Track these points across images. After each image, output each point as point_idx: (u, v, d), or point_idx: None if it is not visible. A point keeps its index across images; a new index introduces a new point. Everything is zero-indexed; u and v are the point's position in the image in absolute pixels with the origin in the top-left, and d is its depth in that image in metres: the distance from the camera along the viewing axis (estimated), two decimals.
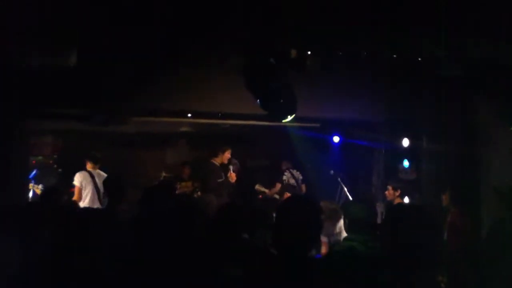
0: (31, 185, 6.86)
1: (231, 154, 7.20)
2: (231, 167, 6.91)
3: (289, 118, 5.17)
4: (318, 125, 7.61)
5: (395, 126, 7.16)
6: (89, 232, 3.36)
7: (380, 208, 6.13)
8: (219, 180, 6.85)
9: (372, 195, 7.99)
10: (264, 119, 6.47)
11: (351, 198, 7.42)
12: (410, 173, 7.29)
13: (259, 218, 3.30)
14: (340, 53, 5.45)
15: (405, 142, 7.10)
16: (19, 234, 3.42)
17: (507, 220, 4.39)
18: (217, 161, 7.03)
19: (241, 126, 7.60)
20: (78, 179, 6.43)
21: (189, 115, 6.95)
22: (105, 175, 6.56)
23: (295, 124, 7.01)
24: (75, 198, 6.30)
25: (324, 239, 5.22)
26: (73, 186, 6.47)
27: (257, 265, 2.21)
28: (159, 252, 2.96)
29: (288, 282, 2.00)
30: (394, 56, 5.38)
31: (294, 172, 8.23)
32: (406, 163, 7.47)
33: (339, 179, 7.83)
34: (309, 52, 5.43)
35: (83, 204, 6.24)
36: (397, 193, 5.89)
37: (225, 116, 6.86)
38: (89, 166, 6.61)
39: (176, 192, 7.53)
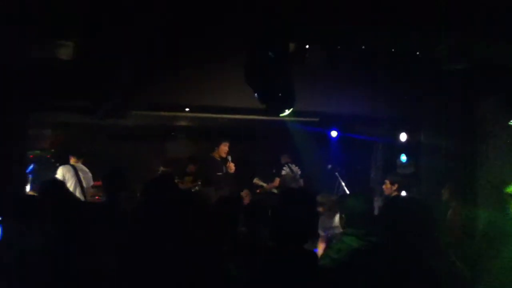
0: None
1: (229, 148, 7.20)
2: (229, 159, 6.92)
3: (287, 112, 5.16)
4: (316, 119, 7.60)
5: (393, 121, 7.17)
6: (90, 225, 3.37)
7: (377, 202, 6.14)
8: (219, 174, 6.87)
9: (369, 189, 8.01)
10: (262, 113, 6.47)
11: (348, 192, 7.44)
12: (407, 167, 7.30)
13: (257, 211, 3.31)
14: (339, 47, 5.45)
15: (403, 137, 7.12)
16: (22, 227, 3.43)
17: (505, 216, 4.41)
18: (216, 155, 7.05)
19: (239, 120, 7.59)
20: (60, 172, 6.50)
21: (187, 109, 6.94)
22: (87, 170, 6.68)
23: (293, 118, 7.00)
24: None
25: (321, 232, 5.25)
26: None
27: (255, 258, 2.22)
28: (157, 246, 2.97)
29: (285, 275, 2.00)
30: (393, 50, 5.39)
31: (293, 166, 8.24)
32: (403, 158, 7.49)
33: (336, 173, 7.85)
34: (307, 46, 5.43)
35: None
36: (395, 187, 5.90)
37: (223, 110, 6.85)
38: (72, 160, 6.65)
39: (175, 186, 7.53)
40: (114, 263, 3.09)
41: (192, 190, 7.63)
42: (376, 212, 3.02)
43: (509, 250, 3.90)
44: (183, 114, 7.31)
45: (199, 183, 7.71)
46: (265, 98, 5.07)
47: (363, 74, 5.85)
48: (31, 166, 7.27)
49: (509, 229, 4.24)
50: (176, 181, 7.75)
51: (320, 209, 5.16)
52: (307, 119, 7.52)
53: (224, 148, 6.97)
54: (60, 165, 6.85)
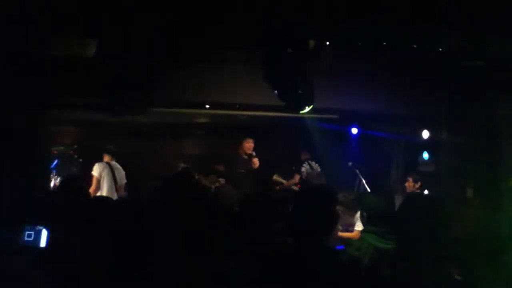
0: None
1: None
2: (254, 154, 6.88)
3: (307, 109, 5.15)
4: (336, 116, 7.56)
5: (415, 118, 7.08)
6: (111, 220, 3.42)
7: (399, 200, 6.07)
8: (241, 171, 6.83)
9: (390, 187, 7.93)
10: (282, 110, 6.46)
11: (369, 190, 7.37)
12: (429, 165, 7.21)
13: (277, 208, 3.30)
14: (360, 44, 5.40)
15: (425, 134, 7.02)
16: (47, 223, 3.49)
17: None
18: (241, 152, 7.02)
19: (259, 117, 7.59)
20: (97, 169, 6.50)
21: (207, 106, 6.97)
22: (120, 167, 6.73)
23: (313, 115, 6.97)
24: (92, 188, 6.40)
25: (342, 229, 5.23)
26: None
27: (273, 255, 2.22)
28: (175, 241, 2.99)
29: (305, 273, 2.00)
30: (415, 47, 5.31)
31: (313, 163, 8.20)
32: (425, 155, 7.39)
33: (357, 170, 7.79)
34: (327, 43, 5.39)
35: (100, 194, 6.34)
36: (417, 185, 5.83)
37: (243, 107, 6.86)
38: (106, 158, 6.71)
39: (195, 182, 7.58)
40: (132, 258, 3.13)
41: (213, 187, 7.70)
42: (396, 209, 2.99)
43: None
44: (203, 111, 7.34)
45: (220, 180, 7.74)
46: (285, 95, 5.07)
47: (384, 71, 5.78)
48: (55, 162, 7.42)
49: None
50: (197, 177, 7.84)
51: (340, 206, 5.15)
52: (327, 116, 7.48)
53: (247, 145, 6.93)
54: (83, 160, 6.95)
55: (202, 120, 8.74)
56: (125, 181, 6.72)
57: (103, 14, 4.31)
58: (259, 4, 4.19)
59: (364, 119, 7.87)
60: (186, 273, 2.74)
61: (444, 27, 4.41)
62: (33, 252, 3.46)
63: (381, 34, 4.98)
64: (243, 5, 4.21)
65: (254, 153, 6.85)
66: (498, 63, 5.11)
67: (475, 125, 6.03)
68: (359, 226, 4.66)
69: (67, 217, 3.64)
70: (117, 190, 6.50)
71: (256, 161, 6.82)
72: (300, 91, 5.04)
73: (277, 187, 8.02)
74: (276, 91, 4.99)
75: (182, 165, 8.47)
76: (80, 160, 8.13)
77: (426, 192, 6.03)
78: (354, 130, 8.52)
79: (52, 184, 7.05)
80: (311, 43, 5.13)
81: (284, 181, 8.11)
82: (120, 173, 6.69)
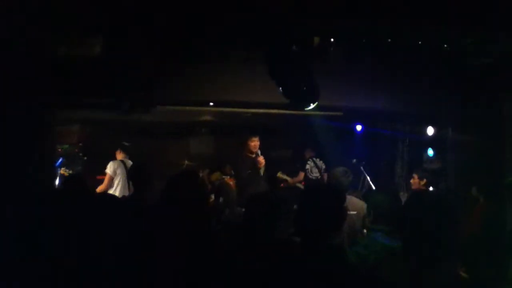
0: (63, 170, 7.00)
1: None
2: (259, 153, 6.80)
3: (312, 106, 5.13)
4: (341, 113, 7.54)
5: (420, 115, 7.05)
6: (115, 219, 3.41)
7: (404, 197, 6.06)
8: (248, 172, 6.75)
9: (395, 184, 7.91)
10: (286, 108, 6.44)
11: (374, 187, 7.36)
12: (435, 162, 7.18)
13: (282, 206, 3.29)
14: (364, 41, 5.38)
15: (430, 131, 6.98)
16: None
17: None
18: (247, 152, 6.89)
19: (263, 115, 7.58)
20: (112, 167, 6.50)
21: (211, 104, 6.96)
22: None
23: (317, 112, 6.95)
24: (103, 186, 6.40)
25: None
26: (99, 174, 6.56)
27: (280, 253, 2.22)
28: (180, 239, 2.99)
29: (312, 270, 1.99)
30: (420, 44, 5.29)
31: (317, 160, 8.18)
32: (430, 152, 7.36)
33: (361, 168, 7.77)
34: (332, 40, 5.37)
35: (113, 192, 6.35)
36: (423, 182, 5.79)
37: (247, 105, 6.84)
38: (120, 155, 6.71)
39: (199, 180, 7.59)
40: (136, 256, 3.13)
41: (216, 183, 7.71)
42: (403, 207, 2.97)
43: None
44: (207, 108, 7.33)
45: (223, 177, 7.75)
46: (289, 92, 5.05)
47: (389, 67, 5.75)
48: (60, 160, 7.44)
49: None
50: (201, 175, 7.85)
51: (347, 205, 5.13)
52: (332, 113, 7.46)
53: (252, 143, 6.82)
54: (88, 159, 6.96)
55: (206, 118, 8.75)
56: None
57: (107, 13, 4.30)
58: (262, 1, 4.18)
59: (368, 116, 7.84)
60: (190, 272, 2.74)
61: (450, 24, 4.38)
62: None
63: (384, 31, 4.96)
64: (246, 2, 4.20)
65: (259, 152, 6.77)
66: (504, 60, 5.08)
67: (481, 121, 6.00)
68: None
69: (67, 216, 3.65)
70: (129, 188, 6.51)
71: (261, 160, 6.72)
72: (304, 88, 5.02)
73: (281, 185, 8.02)
74: (280, 89, 4.97)
75: (186, 162, 8.50)
76: (85, 158, 8.15)
77: (431, 189, 6.00)
78: (359, 127, 8.50)
79: (56, 182, 7.08)
80: (316, 39, 5.11)
81: (288, 179, 8.11)
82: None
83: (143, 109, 6.55)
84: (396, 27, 4.67)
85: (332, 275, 1.99)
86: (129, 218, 3.43)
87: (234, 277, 2.29)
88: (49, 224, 3.41)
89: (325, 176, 8.19)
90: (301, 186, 8.08)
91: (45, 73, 4.89)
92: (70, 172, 7.10)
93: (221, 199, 7.24)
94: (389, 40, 5.14)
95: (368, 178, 7.61)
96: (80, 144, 8.27)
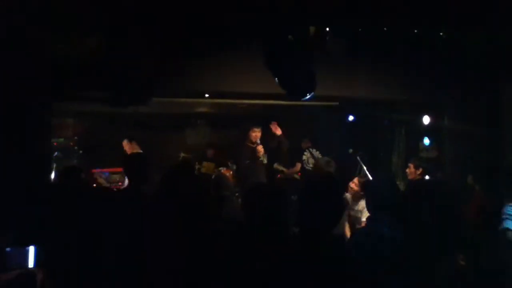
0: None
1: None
2: (258, 143, 6.79)
3: (308, 96, 5.11)
4: (337, 103, 7.52)
5: (416, 104, 7.04)
6: (112, 211, 3.40)
7: (401, 186, 6.06)
8: (247, 162, 6.76)
9: (392, 174, 7.92)
10: (282, 98, 6.41)
11: (370, 177, 7.36)
12: (431, 151, 7.19)
13: (280, 198, 3.28)
14: (360, 30, 5.35)
15: (426, 120, 6.98)
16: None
17: None
18: (249, 143, 6.90)
19: (259, 106, 7.55)
20: None
21: (207, 95, 6.93)
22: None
23: (313, 103, 6.93)
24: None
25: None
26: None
27: (280, 246, 2.21)
28: (177, 232, 2.97)
29: (313, 261, 1.99)
30: (415, 32, 5.27)
31: (314, 151, 8.17)
32: (426, 141, 7.36)
33: (358, 157, 7.76)
34: (328, 29, 5.34)
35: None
36: (419, 172, 5.79)
37: (243, 95, 6.82)
38: (129, 145, 6.77)
39: (196, 172, 7.61)
40: (133, 249, 3.12)
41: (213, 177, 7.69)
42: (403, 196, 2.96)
43: None
44: (203, 100, 7.30)
45: (220, 169, 7.73)
46: (285, 83, 5.03)
47: (385, 56, 5.74)
48: (55, 154, 7.40)
49: None
50: (197, 167, 7.84)
51: (353, 188, 5.18)
52: (328, 103, 7.44)
53: (254, 134, 6.82)
54: (84, 152, 6.93)
55: (202, 109, 8.71)
56: None
57: (105, 6, 4.27)
58: None
59: (364, 105, 7.83)
60: (189, 269, 2.73)
61: (448, 13, 4.36)
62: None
63: (381, 19, 4.94)
64: None
65: (258, 141, 6.78)
66: (501, 48, 5.06)
67: (478, 109, 6.00)
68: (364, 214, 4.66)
69: (65, 208, 3.63)
70: None
71: (260, 149, 6.74)
72: (300, 79, 5.00)
73: (278, 176, 8.01)
74: (276, 79, 4.95)
75: (182, 155, 8.48)
76: (80, 152, 8.11)
77: (427, 177, 6.01)
78: (355, 117, 8.49)
79: (52, 175, 7.04)
80: (311, 29, 5.08)
81: (285, 169, 8.10)
82: None
83: (139, 102, 6.51)
84: (394, 16, 4.65)
85: (333, 268, 1.98)
86: (126, 213, 3.42)
87: (234, 272, 2.28)
88: (48, 219, 3.40)
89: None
90: (297, 177, 8.07)
91: (44, 70, 4.86)
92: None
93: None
94: (385, 28, 5.13)
95: (365, 167, 7.60)
96: (76, 138, 8.22)
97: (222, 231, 2.92)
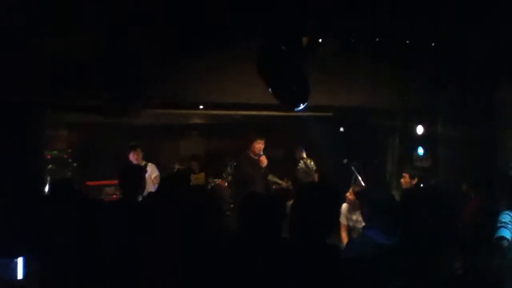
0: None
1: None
2: (261, 154, 6.76)
3: (302, 106, 5.12)
4: (330, 113, 7.55)
5: (410, 113, 7.08)
6: (107, 223, 3.37)
7: (396, 196, 6.06)
8: (246, 173, 6.71)
9: (387, 183, 7.93)
10: (276, 108, 6.43)
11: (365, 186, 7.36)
12: (425, 160, 7.20)
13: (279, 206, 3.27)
14: (353, 40, 5.39)
15: (420, 129, 7.01)
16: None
17: None
18: (250, 153, 6.86)
19: (253, 116, 7.57)
20: (150, 169, 6.80)
21: (201, 106, 6.93)
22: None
23: (307, 113, 6.95)
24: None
25: (344, 222, 5.23)
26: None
27: (274, 254, 2.20)
28: (172, 242, 2.96)
29: (308, 270, 1.98)
30: (408, 41, 5.31)
31: (308, 161, 8.18)
32: (421, 151, 7.38)
33: (352, 167, 7.77)
34: (320, 40, 5.38)
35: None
36: (414, 181, 5.77)
37: (237, 106, 6.83)
38: (135, 156, 6.89)
39: (190, 184, 7.57)
40: (129, 259, 3.09)
41: (208, 188, 7.66)
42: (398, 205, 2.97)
43: None
44: (197, 111, 7.31)
45: (215, 180, 7.71)
46: (279, 93, 5.05)
47: (378, 66, 5.77)
48: (49, 166, 7.35)
49: None
50: (192, 178, 7.81)
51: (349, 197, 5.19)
52: (321, 113, 7.47)
53: (257, 145, 6.77)
54: (77, 165, 6.91)
55: (196, 120, 8.71)
56: (157, 173, 6.97)
57: (99, 16, 4.28)
58: (250, 2, 4.17)
59: (359, 115, 7.86)
60: (185, 272, 2.71)
61: (439, 20, 4.41)
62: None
63: (375, 29, 4.98)
64: (235, 4, 4.19)
65: (262, 153, 6.75)
66: (493, 57, 5.12)
67: (471, 117, 6.03)
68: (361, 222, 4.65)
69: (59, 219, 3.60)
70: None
71: (263, 160, 6.70)
72: (293, 89, 5.02)
73: (273, 187, 8.00)
74: (270, 89, 4.96)
75: (177, 166, 8.44)
76: (75, 164, 8.05)
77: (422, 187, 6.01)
78: (348, 127, 8.50)
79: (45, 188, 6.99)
80: (304, 39, 5.11)
81: (280, 181, 8.09)
82: (152, 166, 7.03)
83: (133, 113, 6.50)
84: (387, 25, 4.69)
85: (328, 273, 1.97)
86: (120, 225, 3.40)
87: (230, 280, 2.26)
88: (44, 231, 3.37)
89: (316, 176, 8.19)
90: (291, 188, 8.07)
91: (36, 76, 4.84)
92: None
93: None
94: (377, 37, 5.17)
95: (360, 177, 7.61)
96: (70, 150, 8.16)
97: (220, 240, 2.91)
